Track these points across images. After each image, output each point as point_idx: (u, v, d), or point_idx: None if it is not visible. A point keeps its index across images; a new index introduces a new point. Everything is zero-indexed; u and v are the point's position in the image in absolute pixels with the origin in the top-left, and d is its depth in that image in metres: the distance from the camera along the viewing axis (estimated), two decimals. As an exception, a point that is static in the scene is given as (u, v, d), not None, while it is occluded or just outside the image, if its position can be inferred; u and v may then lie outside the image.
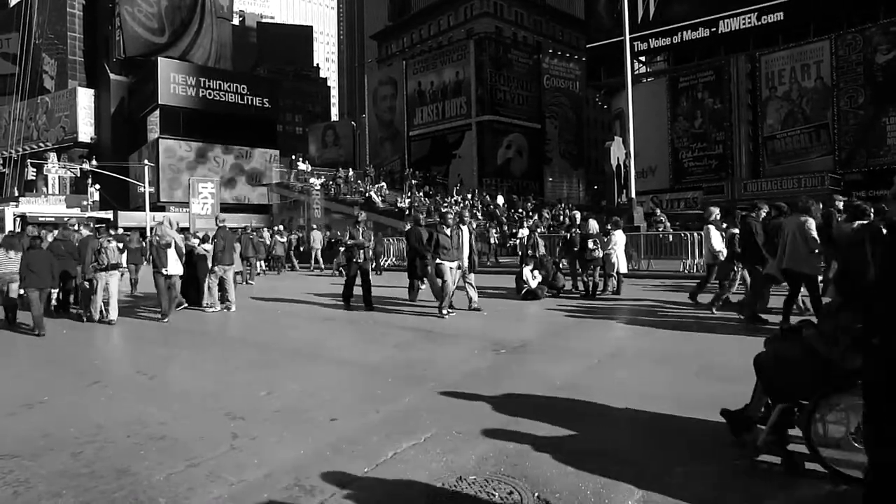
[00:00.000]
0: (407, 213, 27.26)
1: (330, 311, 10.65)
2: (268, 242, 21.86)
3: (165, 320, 9.42)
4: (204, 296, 11.03)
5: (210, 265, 10.92)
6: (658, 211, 21.45)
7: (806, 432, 3.10)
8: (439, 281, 9.22)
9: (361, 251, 10.57)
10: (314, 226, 26.02)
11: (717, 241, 9.30)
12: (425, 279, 10.73)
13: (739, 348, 6.22)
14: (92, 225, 13.58)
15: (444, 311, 8.97)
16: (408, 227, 11.98)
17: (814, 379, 3.09)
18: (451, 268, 9.14)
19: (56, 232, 12.75)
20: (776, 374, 3.29)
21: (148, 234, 27.55)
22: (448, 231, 9.27)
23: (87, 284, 9.72)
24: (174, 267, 9.74)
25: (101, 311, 9.44)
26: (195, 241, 12.23)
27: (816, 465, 3.05)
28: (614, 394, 4.76)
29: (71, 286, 10.89)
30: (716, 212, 9.78)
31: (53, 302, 10.43)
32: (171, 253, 9.68)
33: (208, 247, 11.65)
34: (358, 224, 10.83)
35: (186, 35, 60.68)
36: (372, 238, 11.21)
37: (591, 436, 3.79)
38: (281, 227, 25.15)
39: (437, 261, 9.16)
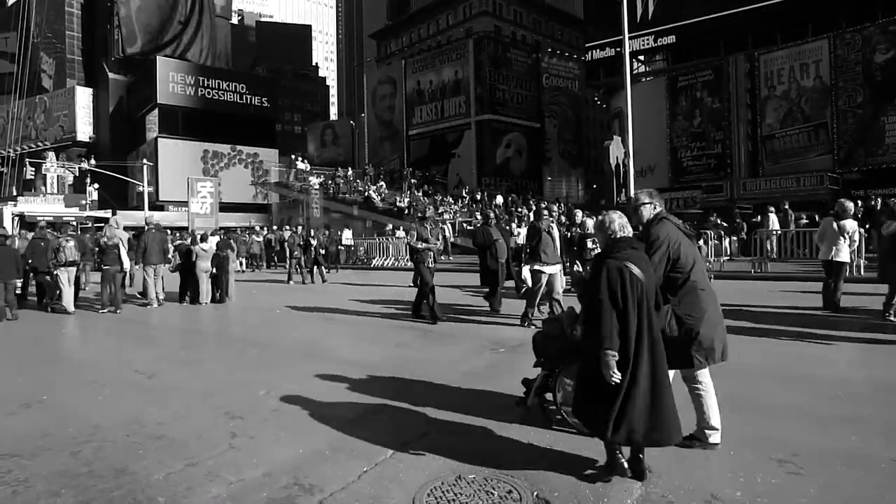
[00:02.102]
0: (409, 215, 27.29)
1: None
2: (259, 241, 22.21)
3: (119, 310, 10.67)
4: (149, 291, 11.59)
5: (141, 264, 11.63)
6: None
7: (554, 394, 3.93)
8: (528, 284, 7.99)
9: (431, 254, 9.10)
10: (287, 227, 26.45)
11: (841, 242, 8.26)
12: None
13: (741, 348, 6.23)
14: (65, 227, 14.36)
15: (528, 322, 7.68)
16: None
17: (562, 351, 3.87)
18: (548, 275, 7.72)
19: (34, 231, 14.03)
20: (541, 347, 4.12)
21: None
22: (548, 230, 7.80)
23: (48, 279, 10.95)
24: (125, 263, 10.95)
25: (71, 301, 10.66)
26: (191, 241, 12.28)
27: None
28: (613, 393, 4.76)
29: (43, 279, 11.71)
30: (850, 208, 8.39)
31: (17, 291, 11.11)
32: (122, 250, 10.83)
33: (206, 246, 11.70)
34: (426, 221, 9.60)
35: (185, 34, 60.58)
36: (440, 237, 9.89)
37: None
38: (259, 227, 25.25)
39: (536, 266, 7.65)
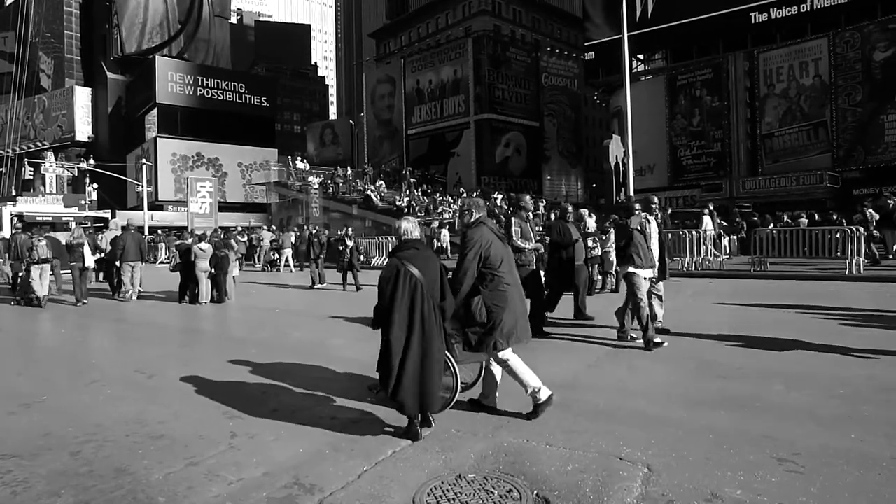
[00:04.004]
0: (406, 211, 27.25)
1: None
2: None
3: (82, 303, 11.78)
4: (124, 287, 12.70)
5: (118, 262, 12.63)
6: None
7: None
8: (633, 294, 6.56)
9: (536, 254, 7.36)
10: (263, 226, 26.62)
11: None
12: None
13: (739, 350, 6.23)
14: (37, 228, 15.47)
15: (652, 341, 6.23)
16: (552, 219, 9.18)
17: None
18: (645, 279, 6.44)
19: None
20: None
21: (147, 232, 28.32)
22: (640, 227, 6.57)
23: (21, 275, 11.98)
24: (88, 261, 12.21)
25: (38, 295, 11.55)
26: (191, 240, 12.30)
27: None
28: (614, 392, 4.76)
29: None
30: None
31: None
32: (86, 249, 12.22)
33: (205, 246, 11.70)
34: (523, 211, 7.35)
35: (184, 34, 60.57)
36: (533, 235, 7.45)
37: (591, 434, 3.80)
38: (239, 228, 25.64)
39: (630, 269, 6.40)
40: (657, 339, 6.24)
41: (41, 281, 11.72)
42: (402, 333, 3.63)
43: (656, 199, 7.00)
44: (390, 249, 3.71)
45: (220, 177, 50.18)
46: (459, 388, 4.17)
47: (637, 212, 6.60)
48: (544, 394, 4.09)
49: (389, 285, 3.65)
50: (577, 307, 8.14)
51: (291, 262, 21.66)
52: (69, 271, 12.30)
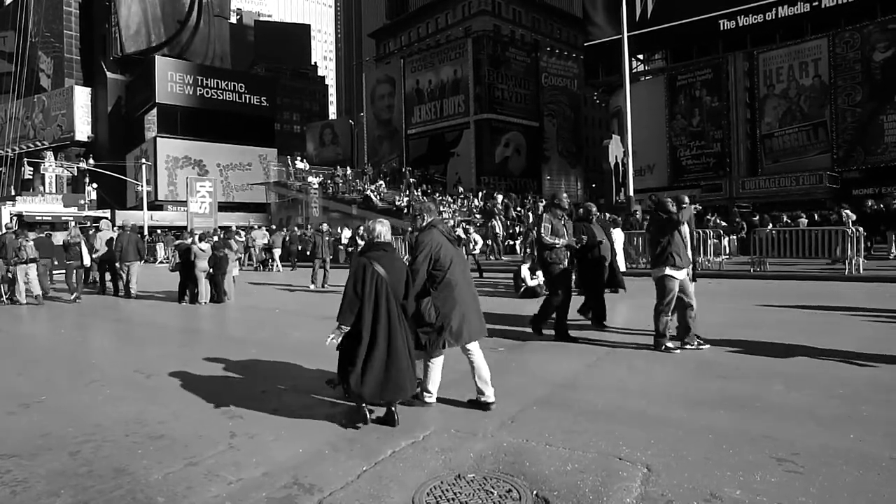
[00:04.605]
0: (406, 211, 27.24)
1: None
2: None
3: (77, 300, 12.35)
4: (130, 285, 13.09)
5: (119, 261, 13.09)
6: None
7: None
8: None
9: (566, 254, 6.82)
10: (255, 226, 27.42)
11: None
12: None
13: (739, 350, 6.23)
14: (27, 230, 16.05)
15: (667, 344, 6.07)
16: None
17: None
18: (679, 281, 6.06)
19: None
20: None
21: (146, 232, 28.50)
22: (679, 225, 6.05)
23: (9, 275, 12.30)
24: (85, 259, 12.96)
25: (24, 294, 12.05)
26: (191, 240, 12.30)
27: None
28: (614, 392, 4.76)
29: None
30: None
31: None
32: (83, 248, 13.01)
33: (205, 246, 11.68)
34: (558, 209, 6.90)
35: (184, 33, 60.56)
36: (568, 233, 6.96)
37: (591, 434, 3.80)
38: (258, 226, 25.83)
39: (667, 271, 6.01)
40: (669, 345, 6.06)
41: (32, 280, 12.19)
42: (368, 328, 3.85)
43: (687, 199, 6.50)
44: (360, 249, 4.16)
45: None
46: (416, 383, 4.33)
47: (686, 205, 6.17)
48: (430, 399, 4.44)
49: (358, 283, 3.88)
50: (598, 313, 7.72)
51: (278, 262, 21.83)
52: (63, 270, 12.86)
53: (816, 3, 32.24)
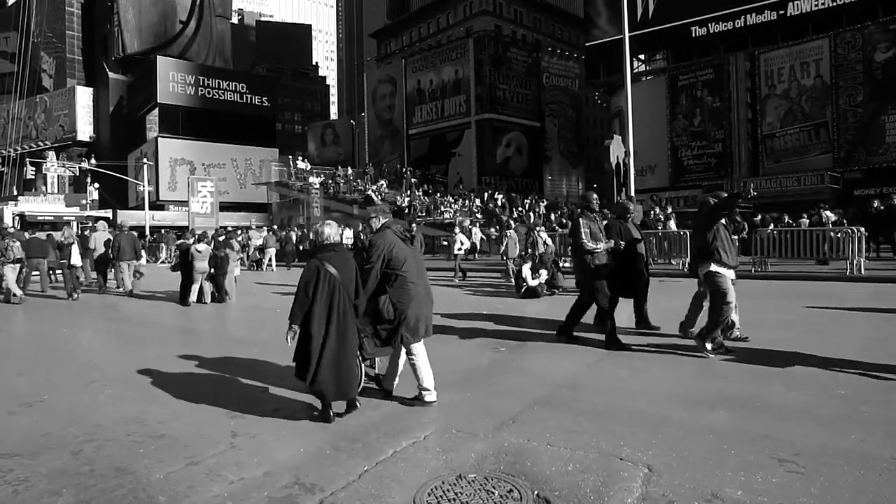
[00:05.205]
0: (407, 210, 27.29)
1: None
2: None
3: (73, 298, 12.72)
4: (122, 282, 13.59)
5: (115, 261, 13.58)
6: (657, 209, 21.44)
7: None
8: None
9: (605, 253, 6.48)
10: (251, 226, 28.35)
11: None
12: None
13: (739, 351, 6.22)
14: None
15: (710, 347, 5.79)
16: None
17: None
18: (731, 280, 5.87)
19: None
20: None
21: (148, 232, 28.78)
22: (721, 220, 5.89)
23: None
24: (74, 258, 13.50)
25: (10, 293, 12.34)
26: (191, 240, 12.32)
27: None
28: (614, 392, 4.76)
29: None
30: None
31: None
32: (75, 248, 13.60)
33: (202, 247, 11.63)
34: (593, 213, 6.62)
35: (185, 34, 60.61)
36: (603, 235, 6.69)
37: (592, 434, 3.80)
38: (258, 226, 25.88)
39: (713, 267, 5.81)
40: (717, 351, 5.72)
41: (10, 280, 12.58)
42: (322, 326, 4.01)
43: (724, 195, 6.09)
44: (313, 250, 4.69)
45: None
46: (364, 378, 4.64)
47: (748, 193, 5.71)
48: (430, 397, 4.46)
49: (311, 283, 4.05)
50: (641, 315, 7.32)
51: (273, 262, 21.92)
52: (59, 270, 13.24)
53: (817, 3, 32.18)
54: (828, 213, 15.49)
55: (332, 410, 4.17)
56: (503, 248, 14.97)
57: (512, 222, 16.46)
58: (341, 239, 4.42)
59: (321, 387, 4.03)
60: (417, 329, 4.42)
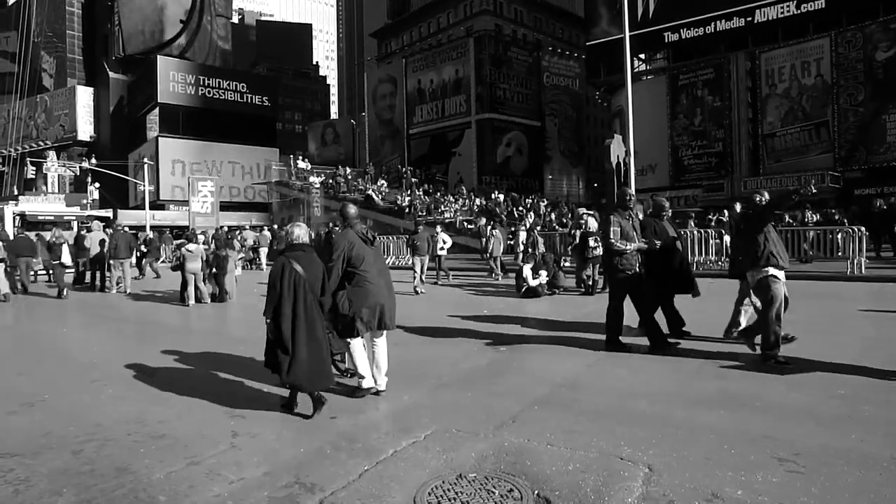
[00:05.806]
0: (407, 210, 27.29)
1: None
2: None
3: (63, 296, 12.94)
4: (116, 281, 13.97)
5: (111, 259, 13.86)
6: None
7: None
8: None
9: (637, 258, 6.16)
10: (246, 226, 28.61)
11: None
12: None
13: (739, 351, 6.22)
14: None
15: (778, 358, 5.43)
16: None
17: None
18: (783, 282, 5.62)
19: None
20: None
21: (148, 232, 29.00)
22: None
23: None
24: (64, 257, 13.87)
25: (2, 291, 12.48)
26: (189, 241, 12.33)
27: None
28: (614, 392, 4.76)
29: None
30: None
31: None
32: (65, 248, 14.00)
33: (193, 247, 11.59)
34: (626, 213, 6.26)
35: (185, 33, 60.55)
36: (638, 234, 6.34)
37: (592, 434, 3.80)
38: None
39: (771, 271, 5.58)
40: (781, 359, 5.38)
41: (4, 278, 12.94)
42: (289, 322, 4.20)
43: (766, 194, 5.83)
44: (281, 249, 5.08)
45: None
46: (336, 373, 5.02)
47: (807, 187, 5.48)
48: (366, 384, 4.79)
49: (279, 281, 4.25)
50: (674, 319, 6.83)
51: (264, 261, 21.87)
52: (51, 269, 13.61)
53: (818, 3, 32.16)
54: (809, 213, 15.58)
55: (298, 401, 4.41)
56: (489, 246, 15.07)
57: (501, 220, 16.45)
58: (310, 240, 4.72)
59: (295, 379, 4.21)
60: (371, 322, 4.70)
